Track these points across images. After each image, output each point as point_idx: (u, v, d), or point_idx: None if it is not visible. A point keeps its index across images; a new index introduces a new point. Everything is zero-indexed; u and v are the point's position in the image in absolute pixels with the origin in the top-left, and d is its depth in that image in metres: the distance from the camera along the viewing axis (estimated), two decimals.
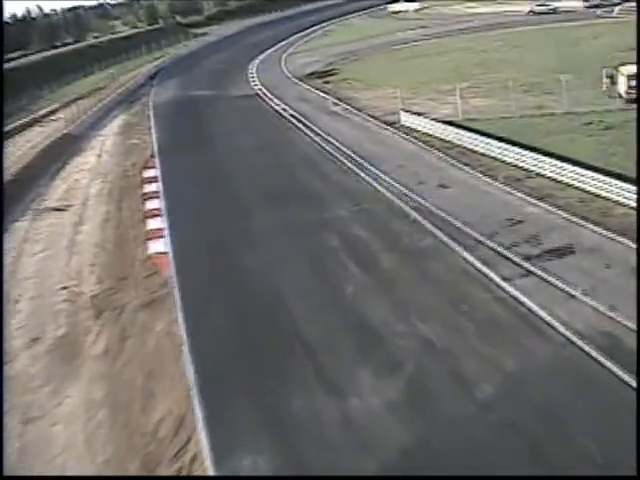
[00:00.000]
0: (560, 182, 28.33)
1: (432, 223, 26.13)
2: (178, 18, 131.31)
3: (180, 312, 22.30)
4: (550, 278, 20.84)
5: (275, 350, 19.30)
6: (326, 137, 40.66)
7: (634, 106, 35.64)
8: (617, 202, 25.38)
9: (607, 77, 39.95)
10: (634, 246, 21.85)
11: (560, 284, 20.39)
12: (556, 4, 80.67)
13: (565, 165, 28.66)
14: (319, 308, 21.35)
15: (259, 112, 51.66)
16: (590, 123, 35.36)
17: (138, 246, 29.17)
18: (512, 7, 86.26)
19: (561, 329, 18.20)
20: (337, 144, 38.81)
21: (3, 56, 68.29)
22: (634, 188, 24.71)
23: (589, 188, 26.92)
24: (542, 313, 19.01)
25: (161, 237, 29.24)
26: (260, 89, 60.18)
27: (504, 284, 20.91)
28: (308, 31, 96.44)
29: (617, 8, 72.10)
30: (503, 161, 31.94)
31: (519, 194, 27.83)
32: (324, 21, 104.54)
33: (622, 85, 38.04)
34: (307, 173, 34.91)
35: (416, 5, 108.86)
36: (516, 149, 31.71)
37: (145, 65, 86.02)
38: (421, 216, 26.96)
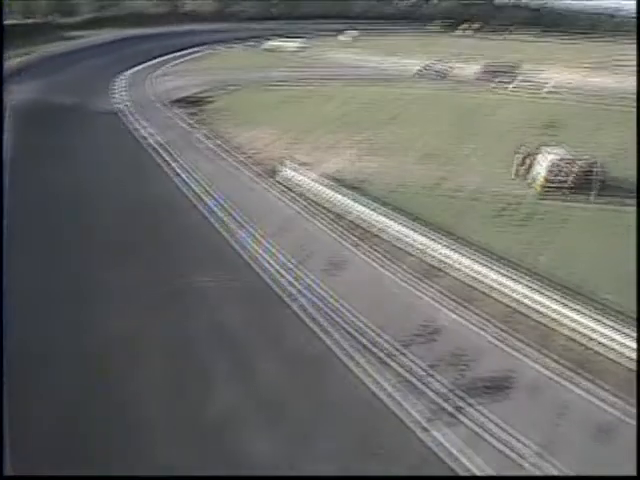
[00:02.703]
0: (480, 283, 23.76)
1: (322, 322, 20.81)
2: (54, 17, 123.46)
3: None
4: (485, 432, 15.94)
5: None
6: (192, 179, 34.74)
7: (552, 198, 32.59)
8: (557, 324, 21.11)
9: (522, 161, 36.37)
10: (583, 393, 17.62)
11: (500, 444, 15.59)
12: (446, 68, 78.85)
13: (484, 262, 24.21)
14: (177, 432, 15.75)
15: (120, 134, 44.77)
16: (504, 209, 31.72)
17: None
18: (403, 64, 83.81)
19: None
20: (205, 189, 33.02)
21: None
22: (575, 315, 20.76)
23: (518, 297, 22.50)
24: None
25: None
26: (125, 107, 53.38)
27: (423, 435, 15.79)
28: (183, 52, 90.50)
29: (514, 81, 70.68)
30: (405, 244, 27.17)
31: (430, 293, 23.09)
32: (201, 44, 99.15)
33: (540, 173, 34.56)
34: (167, 221, 28.92)
35: (295, 45, 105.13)
36: (421, 232, 27.08)
37: (7, 60, 77.25)
38: (308, 308, 21.57)
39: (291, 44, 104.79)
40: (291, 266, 24.74)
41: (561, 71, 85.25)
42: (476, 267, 24.23)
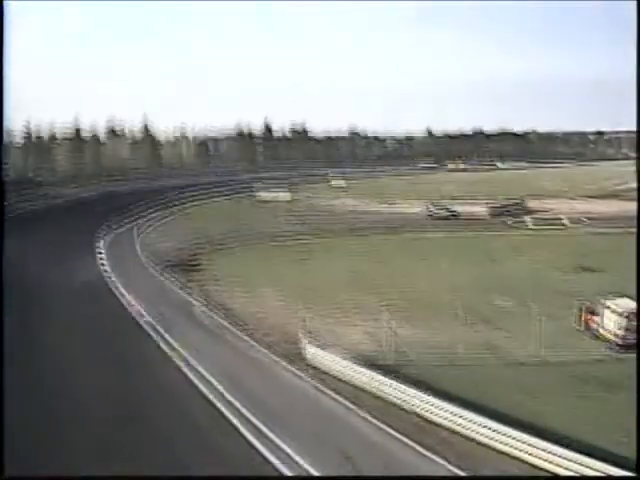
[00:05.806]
0: None
1: None
2: (30, 174, 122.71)
3: None
4: None
5: None
6: (199, 370, 28.77)
7: (632, 355, 27.75)
8: None
9: (587, 312, 32.07)
10: None
11: None
12: (457, 208, 75.14)
13: (586, 461, 19.06)
14: None
15: (105, 312, 38.59)
16: (580, 379, 26.49)
17: None
18: (402, 207, 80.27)
19: None
20: (216, 384, 27.04)
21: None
22: None
23: None
24: None
25: None
26: (109, 277, 47.45)
27: None
28: (168, 211, 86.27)
29: (528, 218, 66.99)
30: (480, 443, 21.69)
31: None
32: (187, 201, 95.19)
33: (615, 325, 30.43)
34: (182, 441, 22.64)
35: (288, 196, 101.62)
36: (497, 425, 21.65)
37: None
38: None
39: (284, 195, 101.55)
40: None
41: (567, 202, 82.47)
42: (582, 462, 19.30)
